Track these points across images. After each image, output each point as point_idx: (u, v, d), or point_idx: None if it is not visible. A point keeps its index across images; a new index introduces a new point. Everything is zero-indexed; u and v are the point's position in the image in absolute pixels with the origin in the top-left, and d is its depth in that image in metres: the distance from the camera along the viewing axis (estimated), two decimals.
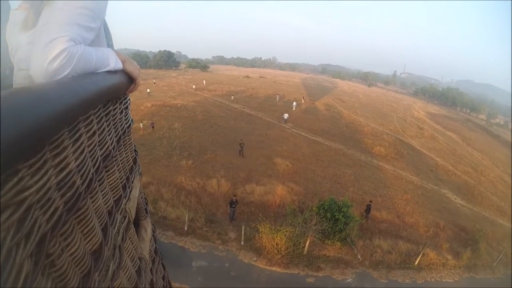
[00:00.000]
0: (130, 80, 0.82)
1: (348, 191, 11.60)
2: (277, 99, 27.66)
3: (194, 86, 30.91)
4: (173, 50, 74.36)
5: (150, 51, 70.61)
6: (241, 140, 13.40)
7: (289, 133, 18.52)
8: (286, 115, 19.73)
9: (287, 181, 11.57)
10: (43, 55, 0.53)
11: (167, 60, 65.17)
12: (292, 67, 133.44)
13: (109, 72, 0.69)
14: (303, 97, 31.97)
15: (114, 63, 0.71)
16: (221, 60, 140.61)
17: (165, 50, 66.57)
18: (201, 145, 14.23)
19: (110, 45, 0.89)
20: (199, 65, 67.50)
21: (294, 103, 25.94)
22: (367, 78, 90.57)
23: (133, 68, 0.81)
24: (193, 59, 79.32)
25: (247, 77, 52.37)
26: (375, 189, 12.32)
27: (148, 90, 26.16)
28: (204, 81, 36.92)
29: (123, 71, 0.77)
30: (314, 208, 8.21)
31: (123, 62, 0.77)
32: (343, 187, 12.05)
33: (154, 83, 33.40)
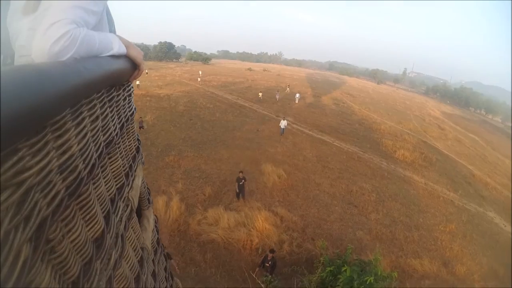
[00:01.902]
0: (134, 66, 0.81)
1: (370, 219, 7.93)
2: (277, 97, 21.96)
3: (199, 79, 28.66)
4: (177, 44, 73.16)
5: (154, 45, 69.63)
6: (241, 172, 7.52)
7: (288, 130, 15.18)
8: (283, 123, 13.58)
9: (277, 202, 7.75)
10: (45, 38, 0.53)
11: (167, 52, 62.99)
12: (299, 63, 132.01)
13: (113, 56, 0.68)
14: (288, 86, 29.15)
15: (118, 48, 0.70)
16: (226, 55, 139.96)
17: (165, 42, 63.86)
18: (168, 143, 10.92)
19: (112, 30, 0.89)
20: (201, 58, 65.84)
21: (297, 95, 23.22)
22: (375, 76, 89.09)
23: (137, 53, 0.81)
24: (195, 52, 76.23)
25: (250, 69, 50.77)
26: (407, 215, 8.62)
27: (137, 82, 23.94)
28: (200, 72, 34.90)
29: (127, 57, 0.77)
30: (313, 280, 4.42)
31: (126, 47, 0.76)
32: (362, 212, 8.26)
33: (147, 73, 31.46)
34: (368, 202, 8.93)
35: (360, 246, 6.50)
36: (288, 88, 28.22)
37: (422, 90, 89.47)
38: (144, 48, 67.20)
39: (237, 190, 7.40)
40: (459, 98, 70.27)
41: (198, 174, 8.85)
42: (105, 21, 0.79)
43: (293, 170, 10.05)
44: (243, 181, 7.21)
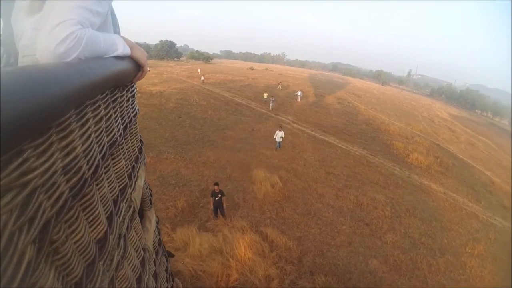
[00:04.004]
0: (138, 67, 0.82)
1: (385, 242, 6.45)
2: (270, 106, 17.12)
3: (202, 78, 26.13)
4: (180, 44, 72.67)
5: (155, 44, 69.31)
6: (217, 185, 5.87)
7: (288, 129, 13.65)
8: (280, 135, 10.68)
9: (268, 220, 6.16)
10: (50, 38, 0.53)
11: (168, 51, 61.91)
12: (302, 63, 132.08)
13: (117, 57, 0.68)
14: (280, 82, 27.79)
15: (122, 49, 0.71)
16: (228, 55, 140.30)
17: (166, 40, 62.55)
18: (148, 143, 9.64)
19: (116, 31, 0.89)
20: (202, 57, 65.02)
21: (299, 93, 21.70)
22: (379, 77, 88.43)
23: (141, 54, 0.81)
24: (196, 51, 74.11)
25: (251, 68, 50.27)
26: (429, 235, 7.26)
27: None
28: (199, 70, 34.13)
29: (131, 58, 0.77)
30: None
31: (131, 49, 0.76)
32: (375, 233, 6.68)
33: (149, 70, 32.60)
34: (382, 218, 7.37)
35: (374, 280, 5.23)
36: (280, 86, 26.67)
37: (427, 92, 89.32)
38: (146, 47, 66.86)
39: (213, 207, 6.00)
40: (465, 100, 69.76)
41: (175, 181, 7.53)
42: (110, 22, 0.79)
43: (291, 177, 8.51)
44: (219, 196, 5.87)
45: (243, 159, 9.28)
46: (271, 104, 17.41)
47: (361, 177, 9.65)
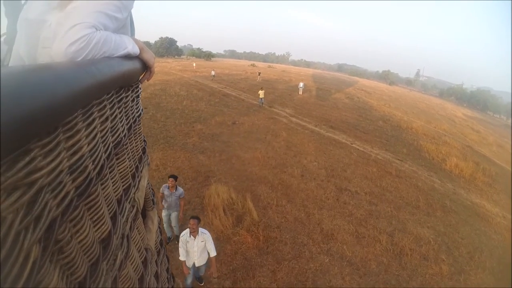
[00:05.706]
0: (144, 68, 0.84)
1: None
2: (260, 101, 14.29)
3: (213, 73, 24.34)
4: (183, 43, 72.78)
5: (155, 41, 68.84)
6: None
7: (283, 123, 11.12)
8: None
9: None
10: (64, 38, 0.56)
11: (168, 48, 61.67)
12: (307, 64, 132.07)
13: (124, 57, 0.70)
14: (259, 73, 25.90)
15: (131, 47, 0.73)
16: (232, 54, 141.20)
17: (166, 37, 62.58)
18: None
19: (133, 33, 0.92)
20: (203, 54, 64.60)
21: (301, 85, 19.79)
22: (387, 77, 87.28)
23: (149, 56, 0.84)
24: (197, 48, 73.72)
25: (253, 65, 50.54)
26: None
27: None
28: (194, 64, 34.55)
29: (139, 58, 0.80)
30: None
31: (140, 50, 0.79)
32: None
33: None
34: (438, 279, 4.25)
35: None
36: (259, 77, 24.92)
37: (435, 93, 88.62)
38: (147, 45, 66.21)
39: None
40: (476, 101, 68.50)
41: None
42: (128, 27, 0.82)
43: (277, 199, 5.38)
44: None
45: (204, 165, 6.34)
46: (260, 100, 14.34)
47: (392, 195, 6.58)
